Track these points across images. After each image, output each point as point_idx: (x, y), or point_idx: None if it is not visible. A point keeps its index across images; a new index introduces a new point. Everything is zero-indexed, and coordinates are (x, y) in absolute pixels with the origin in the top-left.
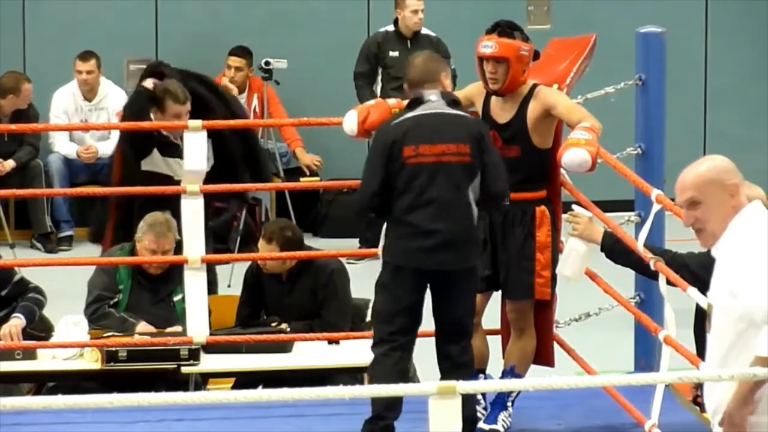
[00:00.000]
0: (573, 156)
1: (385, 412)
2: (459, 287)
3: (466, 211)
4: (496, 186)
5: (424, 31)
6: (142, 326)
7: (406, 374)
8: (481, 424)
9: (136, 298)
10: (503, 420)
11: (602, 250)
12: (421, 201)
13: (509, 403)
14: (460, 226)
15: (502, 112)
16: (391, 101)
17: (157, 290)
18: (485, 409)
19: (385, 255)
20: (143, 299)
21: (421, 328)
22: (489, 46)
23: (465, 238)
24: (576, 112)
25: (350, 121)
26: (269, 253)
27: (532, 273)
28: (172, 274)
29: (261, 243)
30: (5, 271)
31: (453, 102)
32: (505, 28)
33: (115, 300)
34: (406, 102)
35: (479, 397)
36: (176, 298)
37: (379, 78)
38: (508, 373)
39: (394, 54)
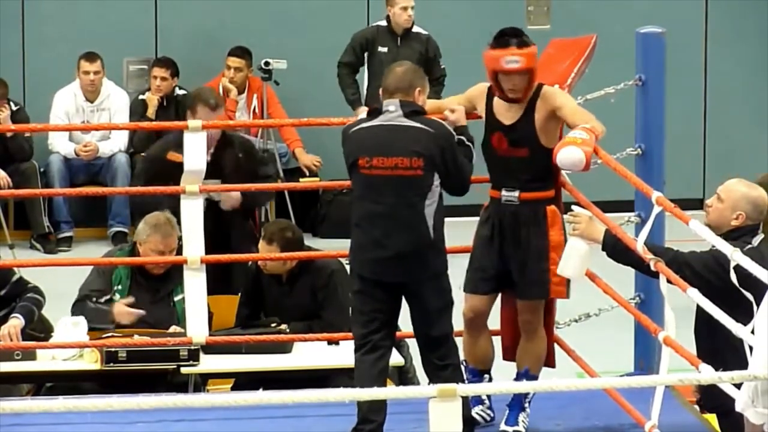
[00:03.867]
0: (567, 154)
1: (369, 415)
2: (422, 299)
3: (421, 225)
4: (453, 191)
5: (416, 28)
6: (118, 306)
7: (385, 373)
8: (503, 426)
9: (134, 297)
10: (523, 421)
11: (604, 249)
12: (376, 212)
13: (526, 404)
14: (413, 240)
15: (507, 113)
16: None
17: (156, 290)
18: (489, 408)
19: (350, 262)
20: (142, 299)
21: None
22: (516, 61)
23: (420, 251)
24: (581, 115)
25: None
26: (269, 254)
27: (548, 272)
28: (173, 274)
29: (261, 244)
30: (4, 271)
31: (413, 113)
32: (521, 39)
33: (105, 299)
34: None
35: (483, 397)
36: (177, 298)
37: (365, 75)
38: (523, 375)
39: (383, 50)
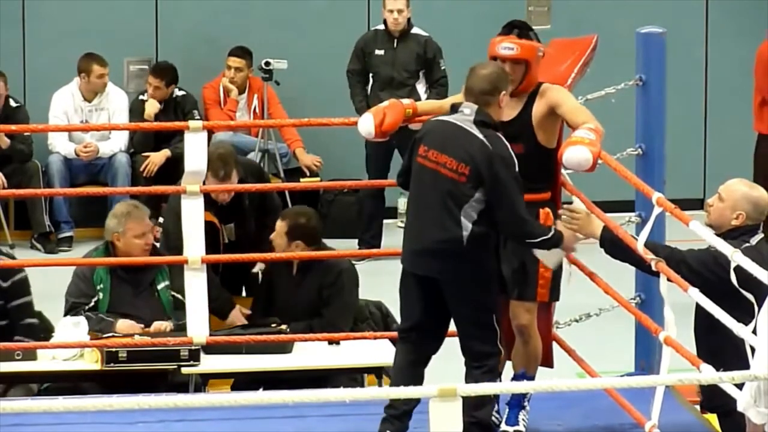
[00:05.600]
0: (574, 153)
1: (395, 401)
2: (452, 297)
3: (455, 228)
4: (501, 216)
5: (415, 30)
6: (121, 324)
7: (419, 364)
8: (503, 426)
9: (117, 294)
10: (523, 419)
11: (602, 245)
12: (420, 203)
13: (526, 402)
14: (444, 239)
15: (506, 109)
16: (405, 101)
17: (137, 282)
18: (498, 412)
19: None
20: (125, 294)
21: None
22: (510, 47)
23: (450, 252)
24: (580, 113)
25: (367, 124)
26: (277, 235)
27: (536, 274)
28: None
29: (278, 221)
30: (19, 288)
31: (482, 123)
32: (522, 30)
33: (94, 302)
34: (419, 103)
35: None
36: (160, 287)
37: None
38: (520, 377)
39: (380, 52)
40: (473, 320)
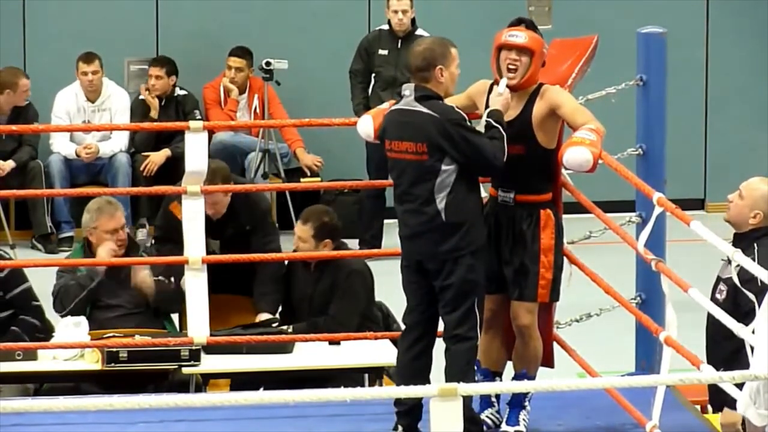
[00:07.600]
0: (575, 154)
1: (396, 405)
2: (437, 276)
3: (431, 207)
4: (481, 173)
5: (419, 31)
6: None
7: (420, 359)
8: (504, 426)
9: (100, 287)
10: (524, 419)
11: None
12: (400, 192)
13: (526, 402)
14: (424, 221)
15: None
16: None
17: (116, 272)
18: (498, 412)
19: None
20: (109, 285)
21: None
22: (519, 35)
23: (430, 232)
24: (581, 114)
25: (366, 126)
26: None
27: (537, 274)
28: (129, 253)
29: (297, 224)
30: (15, 275)
31: (423, 97)
32: (531, 24)
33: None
34: None
35: (493, 399)
36: None
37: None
38: (521, 377)
39: (383, 52)
40: (453, 287)
